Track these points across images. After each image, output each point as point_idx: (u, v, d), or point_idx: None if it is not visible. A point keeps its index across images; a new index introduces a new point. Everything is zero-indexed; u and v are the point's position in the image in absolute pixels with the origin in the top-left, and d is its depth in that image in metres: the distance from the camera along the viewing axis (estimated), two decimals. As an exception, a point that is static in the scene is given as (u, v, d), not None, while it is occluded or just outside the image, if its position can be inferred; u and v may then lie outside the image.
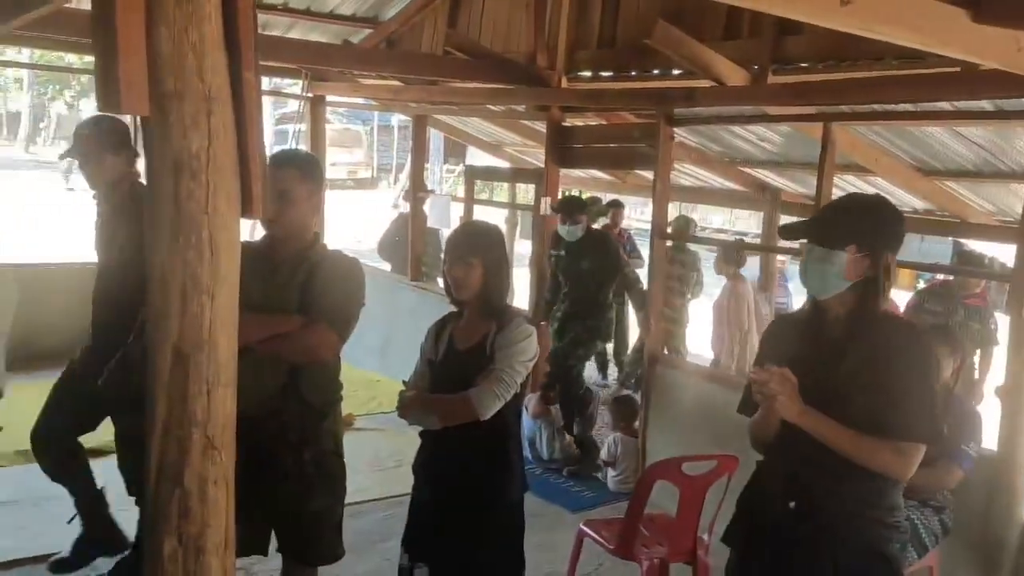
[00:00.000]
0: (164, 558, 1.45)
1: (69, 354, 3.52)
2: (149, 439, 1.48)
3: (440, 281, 7.79)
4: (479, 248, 2.75)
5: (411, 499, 2.85)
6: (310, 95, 7.49)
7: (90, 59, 8.25)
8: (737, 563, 2.32)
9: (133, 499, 3.56)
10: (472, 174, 7.65)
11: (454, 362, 2.77)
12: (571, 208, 5.59)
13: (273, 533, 2.78)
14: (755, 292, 6.56)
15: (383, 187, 24.43)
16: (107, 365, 3.29)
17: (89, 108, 25.57)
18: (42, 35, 5.08)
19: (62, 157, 3.49)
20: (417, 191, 7.61)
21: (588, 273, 5.57)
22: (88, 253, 3.69)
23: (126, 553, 3.64)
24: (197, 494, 1.46)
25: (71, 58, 15.37)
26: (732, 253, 6.43)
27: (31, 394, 3.53)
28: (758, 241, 9.84)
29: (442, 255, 8.71)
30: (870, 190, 5.71)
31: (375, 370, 6.77)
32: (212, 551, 1.47)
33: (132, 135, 3.60)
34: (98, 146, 3.38)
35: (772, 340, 2.36)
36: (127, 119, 3.82)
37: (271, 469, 2.64)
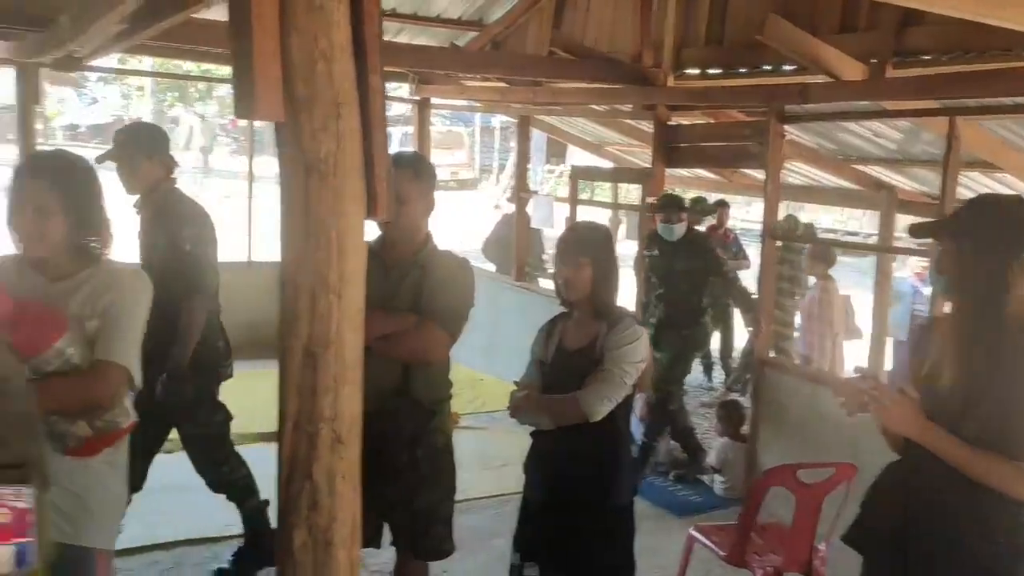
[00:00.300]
0: (295, 549, 1.49)
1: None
2: (280, 434, 1.53)
3: (542, 281, 7.87)
4: (588, 248, 2.75)
5: (522, 498, 2.87)
6: (417, 98, 7.62)
7: (207, 67, 8.61)
8: (866, 571, 2.25)
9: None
10: (576, 174, 7.63)
11: (564, 363, 2.77)
12: (672, 206, 5.44)
13: (386, 527, 2.85)
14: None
15: (484, 188, 24.65)
16: (160, 378, 3.34)
17: (209, 114, 26.72)
18: (165, 44, 5.33)
19: (99, 161, 3.59)
20: (521, 192, 7.65)
21: (682, 275, 5.37)
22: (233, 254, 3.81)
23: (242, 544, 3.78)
24: (326, 488, 1.50)
25: (188, 66, 16.01)
26: (823, 252, 6.23)
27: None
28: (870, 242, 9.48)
29: (544, 255, 8.75)
30: (998, 188, 5.42)
31: (479, 369, 6.84)
32: (340, 543, 1.51)
33: (170, 141, 3.64)
34: (131, 151, 3.44)
35: (911, 347, 2.27)
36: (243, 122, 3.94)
37: (384, 465, 2.69)
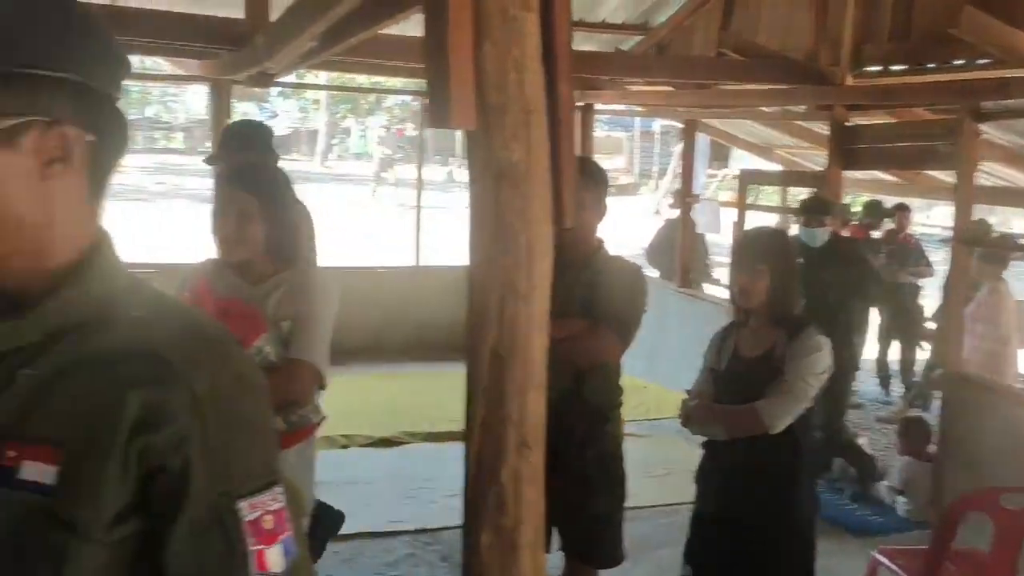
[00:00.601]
0: (482, 549, 1.52)
1: (371, 349, 3.79)
2: (467, 436, 1.56)
3: (707, 287, 7.69)
4: (766, 255, 2.67)
5: (694, 510, 2.80)
6: (580, 104, 7.64)
7: (377, 79, 8.99)
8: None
9: None
10: (746, 178, 7.41)
11: (739, 372, 2.70)
12: (815, 209, 5.01)
13: (556, 533, 2.85)
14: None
15: (643, 192, 24.43)
16: None
17: (375, 124, 27.88)
18: (342, 59, 5.60)
19: (206, 162, 3.65)
20: (686, 196, 7.52)
21: (828, 286, 4.79)
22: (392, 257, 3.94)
23: None
24: (512, 491, 1.52)
25: (360, 78, 16.73)
26: (996, 253, 5.71)
27: (344, 385, 3.88)
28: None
29: (707, 261, 8.46)
30: None
31: (642, 376, 6.76)
32: (525, 546, 1.53)
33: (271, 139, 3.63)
34: (230, 149, 3.50)
35: None
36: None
37: (556, 470, 2.70)
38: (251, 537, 0.83)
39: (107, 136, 0.86)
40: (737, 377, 2.69)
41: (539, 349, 1.56)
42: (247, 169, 2.52)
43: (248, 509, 0.84)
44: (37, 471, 0.79)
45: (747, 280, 2.65)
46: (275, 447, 0.94)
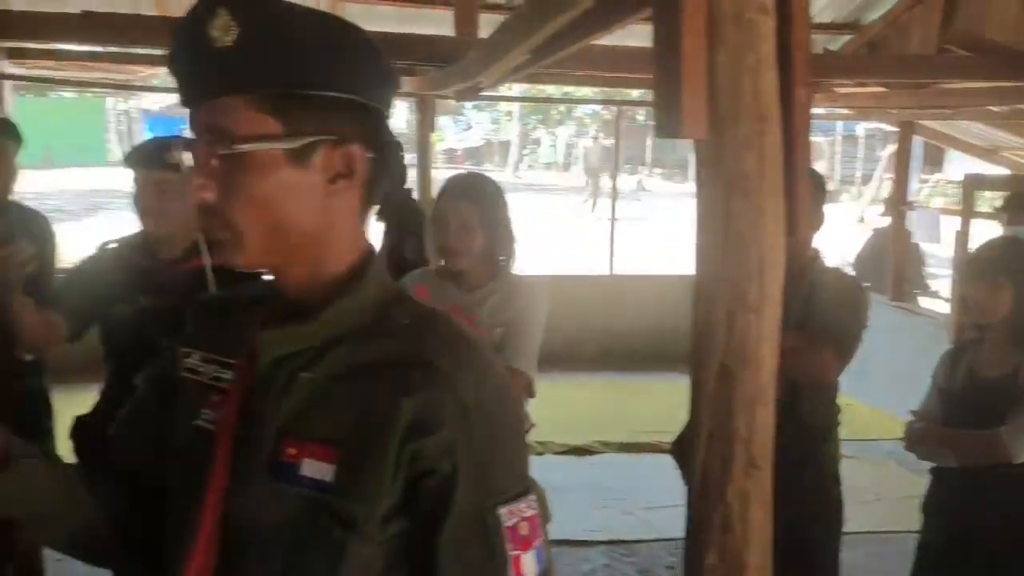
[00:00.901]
0: (706, 570, 1.48)
1: (564, 357, 3.79)
2: (694, 452, 1.53)
3: (922, 301, 7.17)
4: (1007, 267, 2.46)
5: (920, 541, 2.62)
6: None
7: (568, 89, 9.10)
8: None
9: None
10: (972, 184, 6.82)
11: (975, 394, 2.49)
12: (1017, 204, 4.61)
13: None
14: None
15: (845, 200, 23.19)
16: None
17: (567, 135, 28.19)
18: (540, 71, 5.68)
19: None
20: (899, 204, 7.06)
21: None
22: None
23: None
24: (738, 511, 1.47)
25: (550, 89, 16.96)
26: None
27: (539, 392, 3.92)
28: None
29: (923, 272, 7.84)
30: None
31: (848, 393, 6.39)
32: (752, 569, 1.47)
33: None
34: None
35: None
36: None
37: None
38: (509, 543, 0.85)
39: (382, 152, 0.91)
40: (973, 399, 2.49)
41: (769, 364, 1.50)
42: (465, 183, 2.61)
43: (507, 515, 0.86)
44: (317, 469, 0.84)
45: (985, 295, 2.46)
46: (527, 455, 0.96)
